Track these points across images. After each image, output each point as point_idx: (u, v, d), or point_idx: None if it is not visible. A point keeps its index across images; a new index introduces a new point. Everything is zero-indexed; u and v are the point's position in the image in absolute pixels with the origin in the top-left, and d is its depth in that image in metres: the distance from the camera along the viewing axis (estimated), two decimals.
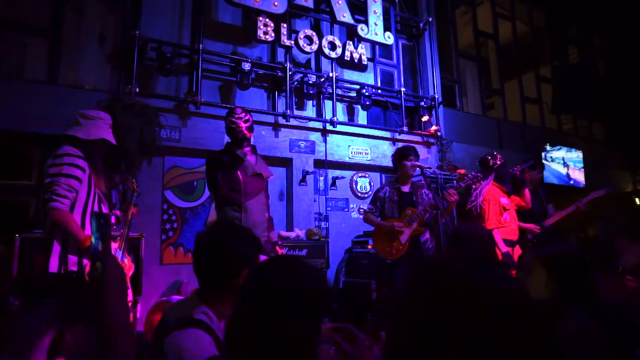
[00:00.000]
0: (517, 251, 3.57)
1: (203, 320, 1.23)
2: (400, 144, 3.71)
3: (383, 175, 5.75)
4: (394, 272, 3.21)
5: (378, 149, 5.59)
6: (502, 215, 3.56)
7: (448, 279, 0.63)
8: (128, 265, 2.40)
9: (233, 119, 2.73)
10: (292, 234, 4.55)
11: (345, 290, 4.64)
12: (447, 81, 6.74)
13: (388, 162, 5.44)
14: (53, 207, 1.98)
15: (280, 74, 5.01)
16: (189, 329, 1.17)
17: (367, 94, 5.39)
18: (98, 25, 4.38)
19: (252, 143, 2.86)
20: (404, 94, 5.77)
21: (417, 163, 3.30)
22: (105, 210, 2.28)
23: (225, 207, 2.69)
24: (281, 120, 5.00)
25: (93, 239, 1.87)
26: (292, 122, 5.04)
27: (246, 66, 4.67)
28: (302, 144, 5.12)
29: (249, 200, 2.66)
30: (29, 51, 4.00)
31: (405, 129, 5.64)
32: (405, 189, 3.39)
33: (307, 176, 5.05)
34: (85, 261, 2.08)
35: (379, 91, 5.77)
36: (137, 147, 3.82)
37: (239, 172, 2.66)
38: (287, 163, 5.13)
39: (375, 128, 5.62)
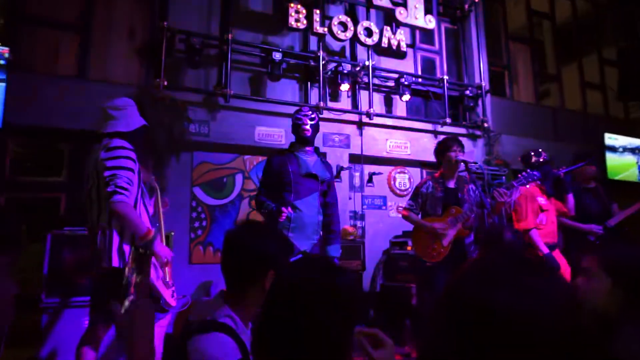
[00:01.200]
0: (557, 256, 3.41)
1: (227, 324, 1.24)
2: (443, 137, 3.60)
3: (424, 171, 5.66)
4: (434, 277, 3.16)
5: (418, 143, 5.51)
6: (537, 217, 3.45)
7: (473, 306, 0.59)
8: (170, 263, 2.48)
9: (299, 116, 2.85)
10: None
11: (382, 295, 4.62)
12: (495, 67, 6.54)
13: (429, 157, 5.33)
14: (118, 201, 2.07)
15: (313, 63, 5.00)
16: (212, 333, 1.18)
17: (406, 83, 5.30)
18: (127, 19, 4.54)
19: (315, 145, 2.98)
20: (447, 82, 5.65)
21: (462, 157, 3.21)
22: (148, 204, 2.36)
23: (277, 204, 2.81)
24: None
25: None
26: (326, 114, 5.02)
27: (277, 56, 4.69)
28: (336, 138, 5.11)
29: (300, 200, 2.74)
30: (60, 47, 4.21)
31: (448, 120, 5.53)
32: (451, 184, 3.30)
33: (342, 172, 5.04)
34: None
35: (420, 80, 5.69)
36: (166, 142, 3.95)
37: (290, 170, 2.76)
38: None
39: (415, 120, 5.56)
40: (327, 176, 2.91)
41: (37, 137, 4.09)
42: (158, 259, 2.25)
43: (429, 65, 5.99)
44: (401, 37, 5.40)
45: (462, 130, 5.69)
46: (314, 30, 4.93)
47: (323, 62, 4.95)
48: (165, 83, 4.24)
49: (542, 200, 3.52)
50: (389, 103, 5.62)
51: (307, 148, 2.88)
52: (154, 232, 2.23)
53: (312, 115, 2.86)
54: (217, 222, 4.63)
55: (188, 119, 4.22)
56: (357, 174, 5.30)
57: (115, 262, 2.13)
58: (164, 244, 2.48)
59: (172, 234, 3.81)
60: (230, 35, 4.59)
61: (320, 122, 5.05)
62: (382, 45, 5.28)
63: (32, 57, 4.05)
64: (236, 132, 4.64)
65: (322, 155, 3.01)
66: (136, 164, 2.22)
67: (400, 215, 4.87)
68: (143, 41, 4.55)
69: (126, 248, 2.17)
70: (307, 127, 2.82)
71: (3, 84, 3.49)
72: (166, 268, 2.36)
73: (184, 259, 4.40)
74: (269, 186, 2.85)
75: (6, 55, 3.53)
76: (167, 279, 2.34)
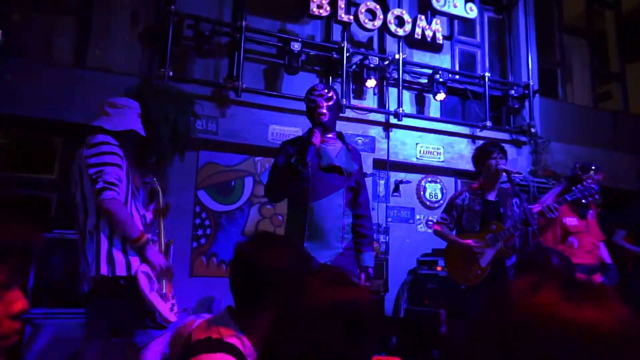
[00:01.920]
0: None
1: (235, 345, 1.24)
2: (482, 142, 3.55)
3: (459, 181, 5.62)
4: (469, 302, 3.14)
5: (453, 148, 5.47)
6: (566, 240, 3.43)
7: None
8: (170, 272, 2.50)
9: (312, 97, 2.60)
10: None
11: (406, 321, 4.59)
12: (546, 64, 6.44)
13: (465, 165, 5.33)
14: (109, 197, 2.10)
15: (335, 55, 5.00)
16: (218, 354, 1.19)
17: (441, 80, 5.26)
18: (130, 3, 4.63)
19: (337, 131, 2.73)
20: (488, 80, 5.59)
21: (503, 166, 3.17)
22: (140, 208, 2.39)
23: (291, 208, 2.63)
24: None
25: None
26: (349, 113, 5.01)
27: (296, 46, 4.71)
28: (359, 140, 5.09)
29: (318, 201, 2.50)
30: (56, 31, 4.30)
31: (488, 123, 5.48)
32: (491, 196, 3.28)
33: (365, 179, 4.96)
34: (134, 263, 2.20)
35: (457, 77, 5.66)
36: (169, 139, 4.00)
37: (308, 162, 2.50)
38: None
39: (450, 122, 5.52)
40: (355, 168, 2.63)
41: (28, 129, 4.17)
42: (152, 268, 2.25)
43: (468, 60, 5.94)
44: (437, 28, 5.36)
45: (505, 136, 5.63)
46: (338, 18, 4.93)
47: (347, 54, 4.94)
48: (171, 74, 4.29)
49: (572, 221, 3.45)
50: (420, 102, 5.58)
51: (327, 135, 2.63)
52: (148, 237, 2.24)
53: (329, 94, 2.59)
54: (222, 230, 4.65)
55: (195, 115, 4.26)
56: (382, 181, 5.27)
57: (104, 269, 2.14)
58: (162, 251, 2.50)
59: (172, 242, 3.83)
60: (244, 22, 4.63)
61: (342, 123, 5.08)
62: (415, 36, 5.25)
63: (26, 42, 4.15)
64: (247, 130, 4.67)
65: (346, 143, 2.73)
66: (123, 160, 2.25)
67: (430, 230, 4.80)
68: (147, 27, 4.62)
69: (117, 255, 2.18)
70: (324, 109, 2.55)
71: None
72: (164, 279, 2.37)
73: (184, 270, 4.43)
74: (277, 184, 2.59)
75: None
76: (164, 291, 2.34)
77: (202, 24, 4.45)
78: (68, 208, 2.36)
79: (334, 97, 2.62)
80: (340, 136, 2.71)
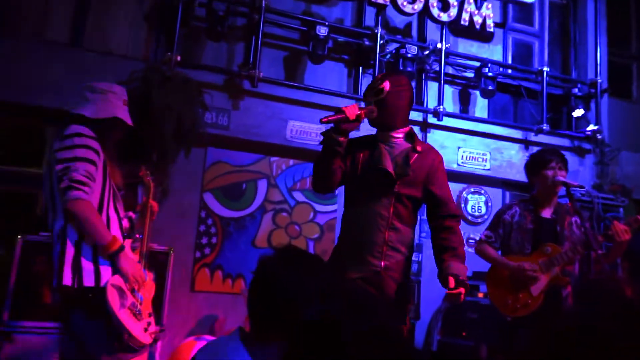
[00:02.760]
0: None
1: None
2: (537, 149, 3.48)
3: (507, 193, 5.58)
4: (515, 337, 3.09)
5: (502, 155, 5.41)
6: None
7: None
8: (149, 284, 2.49)
9: (365, 95, 2.53)
10: None
11: (440, 355, 4.56)
12: (618, 58, 6.35)
13: (516, 175, 5.32)
14: (75, 197, 2.09)
15: (367, 42, 5.00)
16: None
17: (490, 74, 5.23)
18: None
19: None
20: (547, 75, 5.52)
21: (562, 178, 3.09)
22: (120, 209, 2.39)
23: (345, 211, 2.58)
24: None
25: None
26: None
27: (322, 31, 4.71)
28: None
29: (358, 207, 2.47)
30: (53, 6, 4.38)
31: (545, 127, 5.40)
32: (546, 213, 3.22)
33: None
34: (105, 273, 2.19)
35: (509, 71, 5.66)
36: (174, 133, 4.02)
37: (358, 161, 2.47)
38: None
39: (500, 124, 5.47)
40: (415, 174, 2.45)
41: (16, 116, 4.25)
42: (126, 279, 2.24)
43: (523, 52, 5.88)
44: (488, 13, 5.32)
45: (565, 142, 5.57)
46: (372, 0, 4.92)
47: (381, 41, 4.94)
48: (179, 59, 4.33)
49: None
50: (465, 100, 5.54)
51: (391, 133, 2.49)
52: (122, 244, 2.23)
53: (380, 86, 2.44)
54: (230, 239, 4.66)
55: (203, 106, 4.27)
56: None
57: (67, 279, 2.12)
58: (141, 259, 2.48)
59: (172, 250, 3.84)
60: (263, 1, 4.65)
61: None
62: (462, 22, 5.23)
63: (19, 19, 4.24)
64: (263, 125, 4.68)
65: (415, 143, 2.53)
66: (100, 156, 2.24)
67: (471, 250, 4.70)
68: (154, 4, 4.67)
69: (85, 263, 2.16)
70: (372, 105, 2.43)
71: None
72: (139, 293, 2.35)
73: (185, 283, 4.44)
74: (316, 167, 2.49)
75: None
76: (139, 307, 2.33)
77: (216, 3, 4.50)
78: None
79: (387, 86, 2.44)
80: (409, 135, 2.55)
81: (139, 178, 3.00)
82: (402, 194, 2.44)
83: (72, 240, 2.17)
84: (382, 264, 2.40)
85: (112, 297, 2.16)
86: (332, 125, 2.37)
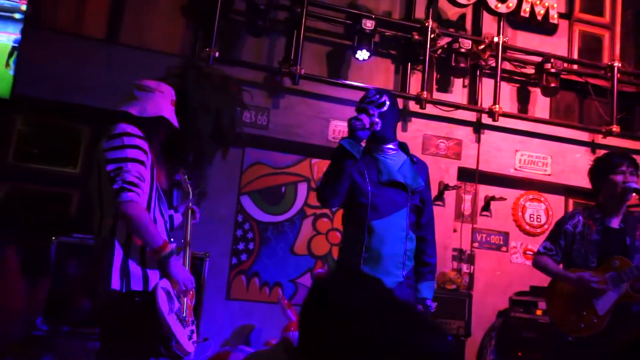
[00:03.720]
0: None
1: None
2: (604, 152, 3.39)
3: (570, 201, 5.49)
4: (578, 358, 3.04)
5: (565, 159, 5.36)
6: None
7: None
8: (192, 292, 2.55)
9: (362, 105, 2.68)
10: None
11: None
12: None
13: (580, 181, 5.12)
14: (128, 199, 2.16)
15: (417, 37, 4.97)
16: None
17: (553, 70, 5.13)
18: None
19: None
20: (618, 71, 5.40)
21: (633, 185, 3.06)
22: (165, 212, 2.46)
23: (346, 226, 2.80)
24: (413, 106, 4.97)
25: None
26: (430, 109, 4.97)
27: (368, 24, 4.69)
28: (441, 144, 5.04)
29: (378, 220, 2.66)
30: (88, 1, 4.49)
31: (615, 128, 5.32)
32: (614, 223, 3.17)
33: (447, 192, 4.98)
34: (153, 277, 2.26)
35: (575, 66, 5.54)
36: (212, 132, 4.10)
37: (367, 177, 2.69)
38: None
39: (563, 125, 5.40)
40: (421, 185, 2.79)
41: (51, 115, 4.39)
42: (174, 284, 2.29)
43: (591, 45, 5.75)
44: (551, 3, 5.24)
45: (637, 145, 5.42)
46: None
47: (432, 35, 4.90)
48: (217, 54, 4.40)
49: None
50: (523, 98, 5.47)
51: (386, 146, 2.77)
52: (173, 248, 2.28)
53: (381, 100, 2.70)
54: (268, 245, 4.70)
55: (242, 104, 4.34)
56: (469, 197, 5.24)
57: (116, 283, 2.18)
58: (187, 266, 2.54)
59: (208, 255, 3.91)
60: None
61: (421, 120, 5.02)
62: (522, 14, 5.15)
63: (55, 13, 4.37)
64: (304, 125, 4.70)
65: (410, 155, 2.86)
66: (148, 156, 2.30)
67: (529, 262, 4.60)
68: None
69: (133, 266, 2.22)
70: (375, 117, 2.60)
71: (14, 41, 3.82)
72: (185, 299, 2.40)
73: (220, 291, 4.50)
74: (328, 179, 2.69)
75: (24, 7, 3.87)
76: (185, 314, 2.38)
77: None
78: (90, 208, 2.45)
79: (388, 102, 2.73)
80: (403, 147, 2.85)
81: (176, 180, 3.07)
82: (413, 205, 2.75)
83: (120, 243, 2.23)
84: (404, 273, 2.66)
85: (162, 301, 2.20)
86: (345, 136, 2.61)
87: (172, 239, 2.63)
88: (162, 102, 2.43)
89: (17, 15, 3.88)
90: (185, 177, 2.92)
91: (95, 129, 4.38)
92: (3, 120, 4.22)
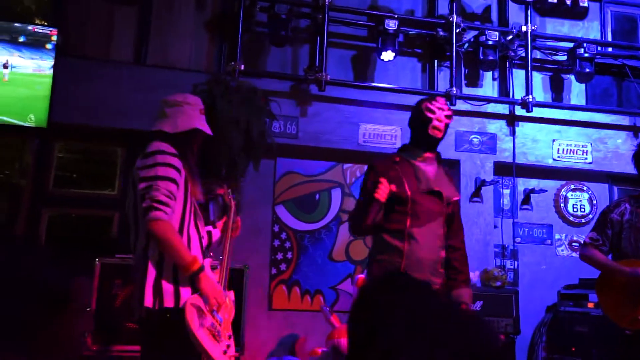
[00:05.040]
0: None
1: None
2: None
3: (615, 189, 5.39)
4: (635, 352, 2.96)
5: (607, 145, 5.27)
6: None
7: None
8: (229, 306, 2.55)
9: (432, 107, 2.79)
10: None
11: None
12: None
13: (625, 167, 5.04)
14: (156, 218, 2.19)
15: (442, 33, 4.95)
16: None
17: (586, 55, 5.03)
18: None
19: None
20: None
21: None
22: (201, 227, 2.48)
23: (384, 233, 2.78)
24: None
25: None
26: (460, 105, 4.92)
27: (391, 25, 4.69)
28: (475, 139, 5.00)
29: (419, 227, 2.72)
30: (114, 25, 4.64)
31: None
32: None
33: (484, 188, 4.93)
34: (184, 294, 2.28)
35: (610, 49, 5.44)
36: (242, 145, 4.13)
37: (406, 183, 2.73)
38: (451, 167, 4.97)
39: (601, 110, 5.33)
40: (456, 195, 2.91)
41: (87, 139, 4.53)
42: (205, 300, 2.30)
43: (625, 26, 5.65)
44: None
45: None
46: None
47: (457, 30, 4.88)
48: (242, 67, 4.46)
49: None
50: (557, 87, 5.40)
51: (428, 154, 2.83)
52: (203, 264, 2.30)
53: (449, 112, 2.80)
54: (306, 253, 4.70)
55: (271, 115, 4.37)
56: (507, 191, 5.19)
57: (149, 301, 2.22)
58: (222, 280, 2.54)
59: (247, 267, 3.93)
60: (327, 0, 4.69)
61: (454, 117, 4.95)
62: (549, 0, 5.06)
63: (84, 40, 4.52)
64: (334, 131, 4.72)
65: (443, 164, 2.96)
66: (181, 173, 2.32)
67: (575, 254, 4.48)
68: (214, 13, 4.83)
69: (165, 284, 2.25)
70: (442, 124, 2.75)
71: (49, 72, 3.94)
72: (219, 314, 2.41)
73: (262, 302, 4.54)
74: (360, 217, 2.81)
75: (54, 37, 4.00)
76: (219, 329, 2.38)
77: (278, 6, 4.57)
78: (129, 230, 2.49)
79: (452, 117, 2.84)
80: (438, 157, 2.90)
81: (213, 195, 3.09)
82: (447, 214, 2.83)
83: (153, 261, 2.26)
84: (439, 281, 2.74)
85: (191, 317, 2.23)
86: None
87: (211, 254, 2.65)
88: (192, 114, 2.46)
89: (49, 45, 4.00)
90: (229, 190, 2.93)
91: (129, 150, 4.49)
92: (42, 149, 4.36)
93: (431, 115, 2.74)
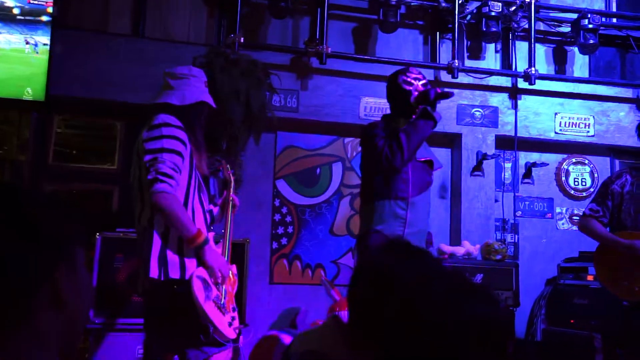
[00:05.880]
0: None
1: None
2: None
3: (617, 162, 5.38)
4: (634, 324, 3.04)
5: (609, 118, 5.25)
6: None
7: None
8: (232, 279, 2.59)
9: (408, 78, 2.86)
10: (460, 250, 4.46)
11: (545, 346, 4.53)
12: None
13: (627, 140, 5.12)
14: (160, 190, 2.22)
15: (444, 4, 4.90)
16: None
17: (590, 26, 4.96)
18: None
19: None
20: None
21: None
22: (205, 201, 2.49)
23: (388, 200, 2.76)
24: (444, 76, 4.91)
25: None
26: (462, 78, 4.91)
27: None
28: (477, 112, 4.99)
29: (418, 196, 2.78)
30: None
31: None
32: None
33: (485, 162, 4.93)
34: (190, 265, 2.31)
35: (614, 20, 5.41)
36: (243, 118, 4.13)
37: None
38: (452, 141, 5.06)
39: (604, 83, 5.27)
40: (440, 165, 3.03)
41: (86, 113, 4.51)
42: (211, 273, 2.33)
43: None
44: None
45: None
46: None
47: (460, 0, 4.82)
48: (242, 40, 4.42)
49: None
50: (560, 59, 5.37)
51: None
52: (208, 237, 2.32)
53: (424, 80, 2.90)
54: (307, 227, 4.73)
55: (272, 89, 4.36)
56: (509, 165, 5.22)
57: (154, 272, 2.25)
58: (226, 254, 2.58)
59: (248, 242, 3.96)
60: None
61: (455, 90, 4.90)
62: None
63: (80, 12, 4.46)
64: (334, 104, 4.70)
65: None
66: (187, 146, 2.34)
67: (575, 228, 4.51)
68: None
69: (171, 255, 2.28)
70: (421, 91, 2.83)
71: (45, 45, 3.92)
72: (224, 287, 2.44)
73: (263, 276, 4.58)
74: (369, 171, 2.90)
75: (50, 10, 3.95)
76: (223, 301, 2.41)
77: None
78: (131, 203, 2.50)
79: (428, 85, 2.90)
80: None
81: (214, 170, 3.10)
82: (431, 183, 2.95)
83: (158, 233, 2.29)
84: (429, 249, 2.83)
85: (197, 289, 2.26)
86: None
87: (212, 228, 2.67)
88: (198, 86, 2.47)
89: (44, 18, 3.96)
90: (228, 165, 2.94)
91: (129, 124, 4.48)
92: (41, 123, 4.35)
93: (409, 88, 2.82)
